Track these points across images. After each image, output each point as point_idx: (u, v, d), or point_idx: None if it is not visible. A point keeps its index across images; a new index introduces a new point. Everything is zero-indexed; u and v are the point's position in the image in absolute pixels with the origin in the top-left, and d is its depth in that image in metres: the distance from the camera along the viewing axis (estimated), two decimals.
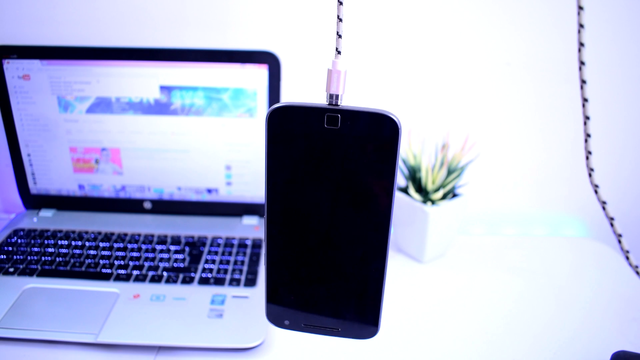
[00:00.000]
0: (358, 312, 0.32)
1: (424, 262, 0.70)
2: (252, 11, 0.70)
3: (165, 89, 0.68)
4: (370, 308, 0.31)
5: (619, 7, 0.70)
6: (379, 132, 0.28)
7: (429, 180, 0.67)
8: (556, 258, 0.73)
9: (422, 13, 0.70)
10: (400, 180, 0.77)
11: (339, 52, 0.28)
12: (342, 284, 0.31)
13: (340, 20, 0.28)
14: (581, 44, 0.31)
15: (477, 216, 0.82)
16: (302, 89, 0.73)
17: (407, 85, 0.74)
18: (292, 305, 0.32)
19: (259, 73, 0.67)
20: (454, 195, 0.70)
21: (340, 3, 0.28)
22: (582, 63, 0.32)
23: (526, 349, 0.55)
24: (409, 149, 0.71)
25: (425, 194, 0.68)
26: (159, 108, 0.68)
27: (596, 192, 0.34)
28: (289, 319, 0.33)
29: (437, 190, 0.67)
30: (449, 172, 0.68)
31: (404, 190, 0.71)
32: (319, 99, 0.74)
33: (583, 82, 0.32)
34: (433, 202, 0.67)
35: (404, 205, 0.69)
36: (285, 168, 0.29)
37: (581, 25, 0.31)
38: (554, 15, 0.70)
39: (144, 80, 0.67)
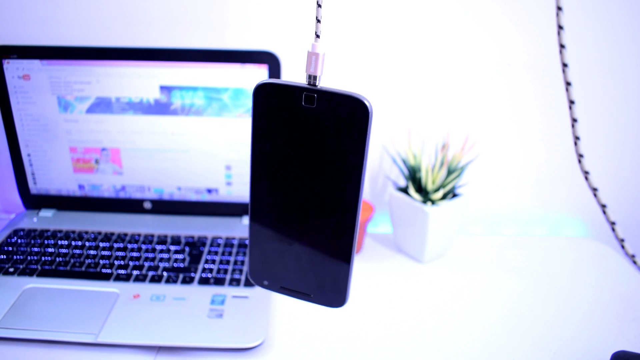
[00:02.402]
0: (328, 282, 0.34)
1: (424, 262, 0.70)
2: (252, 11, 0.70)
3: (165, 89, 0.68)
4: (339, 279, 0.34)
5: (620, 5, 0.70)
6: (351, 114, 0.30)
7: (429, 180, 0.67)
8: (556, 258, 0.73)
9: (422, 13, 0.70)
10: (400, 180, 0.78)
11: (317, 36, 0.31)
12: (315, 252, 0.34)
13: (320, 6, 0.31)
14: (562, 46, 0.32)
15: (477, 216, 0.82)
16: None
17: (407, 85, 0.74)
18: (270, 267, 0.35)
19: (259, 73, 0.67)
20: (454, 195, 0.70)
21: None
22: (564, 65, 0.33)
23: (526, 348, 0.55)
24: (409, 149, 0.71)
25: (425, 194, 0.68)
26: (159, 108, 0.68)
27: (587, 178, 0.34)
28: (268, 279, 0.36)
29: (437, 190, 0.67)
30: (449, 172, 0.68)
31: (404, 190, 0.71)
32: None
33: (568, 83, 0.32)
34: (433, 202, 0.67)
35: (404, 205, 0.69)
36: (267, 139, 0.32)
37: (560, 27, 0.32)
38: (554, 15, 0.70)
39: (144, 80, 0.67)
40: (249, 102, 0.68)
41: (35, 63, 0.67)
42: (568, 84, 0.34)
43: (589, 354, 0.54)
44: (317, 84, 0.30)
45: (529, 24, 0.71)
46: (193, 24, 0.71)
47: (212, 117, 0.68)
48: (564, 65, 0.33)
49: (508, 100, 0.75)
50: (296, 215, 0.33)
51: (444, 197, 0.68)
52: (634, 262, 0.37)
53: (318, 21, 0.31)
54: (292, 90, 0.30)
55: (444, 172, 0.67)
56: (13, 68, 0.68)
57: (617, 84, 0.74)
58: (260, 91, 0.31)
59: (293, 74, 0.70)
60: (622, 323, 0.59)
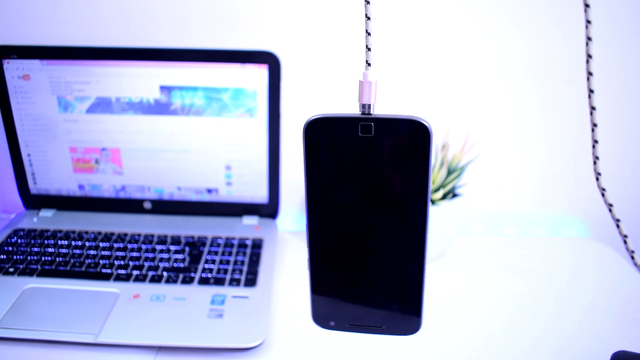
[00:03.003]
0: (401, 310, 0.33)
1: None
2: (252, 11, 0.70)
3: (166, 89, 0.68)
4: (412, 305, 0.33)
5: (624, 5, 0.70)
6: (411, 137, 0.29)
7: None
8: (556, 258, 0.73)
9: (422, 13, 0.70)
10: None
11: (369, 64, 0.30)
12: (384, 284, 0.33)
13: (369, 34, 0.30)
14: (589, 38, 0.32)
15: (477, 216, 0.82)
16: (302, 89, 0.73)
17: (407, 86, 0.74)
18: (336, 307, 0.34)
19: (259, 73, 0.67)
20: (454, 195, 0.70)
21: (368, 18, 0.29)
22: (589, 74, 0.33)
23: (526, 348, 0.55)
24: None
25: None
26: (159, 108, 0.68)
27: (603, 195, 0.34)
28: (334, 319, 0.34)
29: (437, 190, 0.67)
30: (449, 172, 0.68)
31: None
32: (320, 99, 0.73)
33: (591, 91, 0.32)
34: (433, 202, 0.67)
35: None
36: (322, 176, 0.31)
37: (588, 21, 0.31)
38: (554, 15, 0.70)
39: (144, 80, 0.67)
40: (249, 102, 0.68)
41: (35, 63, 0.67)
42: (591, 90, 0.34)
43: (589, 354, 0.54)
44: (371, 112, 0.30)
45: (529, 24, 0.71)
46: (193, 24, 0.71)
47: (212, 117, 0.68)
48: (590, 74, 0.32)
49: (508, 100, 0.75)
50: (362, 250, 0.32)
51: (444, 197, 0.68)
52: (632, 258, 0.37)
53: (368, 49, 0.30)
54: (347, 121, 0.29)
55: (444, 172, 0.67)
56: (13, 68, 0.68)
57: (618, 83, 0.74)
58: (312, 127, 0.30)
59: (293, 74, 0.70)
60: (622, 323, 0.59)
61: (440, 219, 0.67)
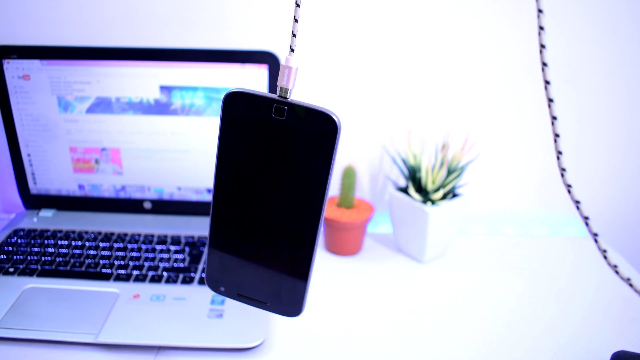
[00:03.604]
0: (285, 292, 0.34)
1: (424, 262, 0.70)
2: (252, 11, 0.70)
3: (165, 89, 0.68)
4: (296, 291, 0.34)
5: (621, 5, 0.70)
6: (320, 129, 0.30)
7: (429, 180, 0.67)
8: (556, 258, 0.73)
9: (422, 13, 0.70)
10: (400, 180, 0.78)
11: (292, 50, 0.31)
12: (274, 263, 0.34)
13: (296, 21, 0.31)
14: (542, 46, 0.32)
15: (477, 216, 0.82)
16: (302, 89, 0.73)
17: (407, 85, 0.74)
18: (228, 274, 0.35)
19: (259, 73, 0.67)
20: (454, 195, 0.70)
21: (298, 5, 0.31)
22: (544, 64, 0.33)
23: (526, 349, 0.55)
24: (408, 149, 0.71)
25: (425, 194, 0.68)
26: (159, 108, 0.68)
27: (569, 191, 0.34)
28: (225, 285, 0.36)
29: (437, 190, 0.67)
30: (449, 172, 0.68)
31: (404, 190, 0.71)
32: (320, 99, 0.73)
33: (547, 82, 0.32)
34: (433, 202, 0.67)
35: (404, 205, 0.69)
36: (233, 148, 0.32)
37: (541, 28, 0.32)
38: (554, 15, 0.70)
39: (144, 80, 0.67)
40: None
41: (35, 63, 0.67)
42: (550, 100, 0.34)
43: (589, 354, 0.54)
44: (288, 97, 0.30)
45: (529, 24, 0.71)
46: (193, 24, 0.71)
47: (212, 117, 0.68)
48: (544, 63, 0.32)
49: (508, 100, 0.75)
50: (257, 227, 0.33)
51: (444, 197, 0.68)
52: (605, 257, 0.36)
53: (294, 36, 0.31)
54: (263, 100, 0.30)
55: (444, 172, 0.67)
56: (13, 68, 0.68)
57: (619, 84, 0.74)
58: (231, 99, 0.31)
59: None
60: (622, 323, 0.59)
61: (440, 219, 0.67)
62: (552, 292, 0.65)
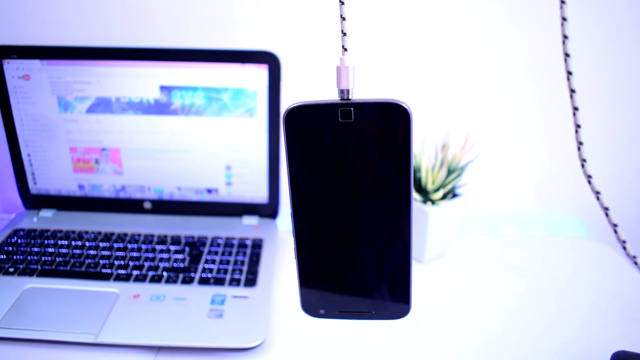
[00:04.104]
0: (389, 294, 0.33)
1: (424, 262, 0.70)
2: (252, 11, 0.70)
3: (165, 89, 0.68)
4: (400, 288, 0.33)
5: (624, 7, 0.70)
6: (391, 120, 0.29)
7: (429, 180, 0.67)
8: (556, 258, 0.73)
9: (422, 13, 0.70)
10: None
11: (345, 50, 0.30)
12: (371, 268, 0.33)
13: (344, 19, 0.30)
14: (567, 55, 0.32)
15: (477, 216, 0.82)
16: (302, 89, 0.73)
17: (407, 85, 0.74)
18: (325, 295, 0.34)
19: (259, 73, 0.67)
20: (454, 195, 0.70)
21: (342, 3, 0.30)
22: (569, 73, 0.33)
23: (526, 349, 0.55)
24: None
25: (425, 194, 0.68)
26: (159, 108, 0.68)
27: (589, 182, 0.34)
28: (324, 307, 0.34)
29: (437, 190, 0.67)
30: (449, 172, 0.68)
31: None
32: (320, 99, 0.73)
33: (572, 91, 0.32)
34: (433, 202, 0.67)
35: None
36: (305, 164, 0.31)
37: (565, 37, 0.32)
38: (554, 15, 0.70)
39: (144, 80, 0.67)
40: (249, 102, 0.68)
41: (35, 63, 0.67)
42: (572, 91, 0.34)
43: (589, 354, 0.54)
44: (350, 97, 0.30)
45: (529, 24, 0.71)
46: (193, 24, 0.71)
47: (212, 117, 0.68)
48: (569, 73, 0.32)
49: (508, 100, 0.75)
50: (348, 237, 0.32)
51: (444, 197, 0.68)
52: (636, 264, 0.37)
53: (344, 34, 0.30)
54: (327, 108, 0.29)
55: (444, 172, 0.67)
56: (13, 68, 0.68)
57: (620, 85, 0.74)
58: (293, 116, 0.30)
59: (293, 74, 0.70)
60: (622, 323, 0.59)
61: (440, 219, 0.67)
62: (552, 292, 0.65)
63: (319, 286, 0.34)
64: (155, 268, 0.62)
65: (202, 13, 0.70)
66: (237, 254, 0.66)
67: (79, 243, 0.67)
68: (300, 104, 0.30)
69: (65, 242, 0.67)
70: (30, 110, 0.69)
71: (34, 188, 0.74)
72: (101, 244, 0.66)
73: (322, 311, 0.35)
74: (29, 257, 0.63)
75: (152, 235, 0.69)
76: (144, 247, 0.66)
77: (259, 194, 0.73)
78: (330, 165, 0.30)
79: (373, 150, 0.30)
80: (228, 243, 0.68)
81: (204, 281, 0.60)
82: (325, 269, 0.33)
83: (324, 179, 0.31)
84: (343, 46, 0.30)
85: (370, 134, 0.30)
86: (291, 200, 0.32)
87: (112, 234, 0.69)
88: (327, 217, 0.32)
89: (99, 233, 0.69)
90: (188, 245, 0.67)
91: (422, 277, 0.67)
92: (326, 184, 0.31)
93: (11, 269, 0.61)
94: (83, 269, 0.62)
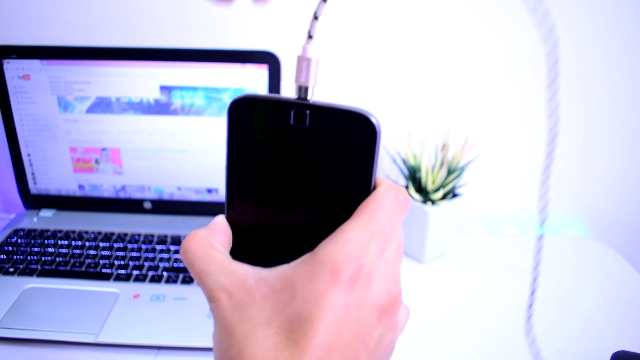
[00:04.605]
0: None
1: (424, 262, 0.70)
2: (252, 11, 0.70)
3: (165, 89, 0.68)
4: None
5: (627, 5, 0.70)
6: (354, 133, 0.24)
7: (429, 180, 0.67)
8: (557, 258, 0.73)
9: (422, 13, 0.70)
10: (400, 180, 0.77)
11: (310, 37, 0.24)
12: None
13: (324, 1, 0.24)
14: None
15: (477, 216, 0.82)
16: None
17: (407, 85, 0.74)
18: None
19: (259, 73, 0.67)
20: (454, 195, 0.70)
21: None
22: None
23: (526, 349, 0.55)
24: (409, 149, 0.71)
25: (425, 194, 0.68)
26: (159, 108, 0.68)
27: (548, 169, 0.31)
28: None
29: (437, 190, 0.67)
30: (449, 172, 0.68)
31: None
32: (320, 98, 0.73)
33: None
34: (433, 202, 0.67)
35: None
36: (247, 168, 0.26)
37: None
38: (554, 15, 0.70)
39: (144, 80, 0.67)
40: None
41: (35, 63, 0.67)
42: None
43: (589, 353, 0.54)
44: (309, 98, 0.25)
45: (529, 24, 0.71)
46: (193, 24, 0.71)
47: (212, 117, 0.68)
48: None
49: (508, 100, 0.75)
50: (284, 249, 0.26)
51: (444, 197, 0.68)
52: None
53: (315, 18, 0.24)
54: (279, 105, 0.25)
55: (444, 172, 0.67)
56: (13, 68, 0.68)
57: (624, 83, 0.74)
58: (238, 108, 0.25)
59: (293, 74, 0.70)
60: (622, 323, 0.59)
61: (440, 219, 0.67)
62: (552, 292, 0.65)
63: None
64: (155, 268, 0.62)
65: (202, 13, 0.70)
66: None
67: (79, 243, 0.67)
68: (249, 95, 0.25)
69: (65, 242, 0.67)
70: (30, 110, 0.69)
71: (34, 188, 0.74)
72: (101, 244, 0.66)
73: None
74: (29, 257, 0.63)
75: (152, 235, 0.69)
76: (144, 247, 0.66)
77: None
78: (274, 172, 0.25)
79: (326, 166, 0.24)
80: None
81: None
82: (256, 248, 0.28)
83: (266, 186, 0.26)
84: (309, 32, 0.24)
85: (325, 146, 0.24)
86: (226, 203, 0.27)
87: (112, 234, 0.69)
88: (264, 231, 0.27)
89: (99, 233, 0.69)
90: None
91: (422, 277, 0.67)
92: (267, 193, 0.26)
93: (11, 269, 0.61)
94: (83, 269, 0.62)
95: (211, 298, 0.24)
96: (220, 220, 0.27)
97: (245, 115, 0.25)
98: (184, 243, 0.25)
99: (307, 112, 0.24)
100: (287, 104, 0.24)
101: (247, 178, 0.26)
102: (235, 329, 0.23)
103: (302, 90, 0.25)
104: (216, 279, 0.24)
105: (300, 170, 0.25)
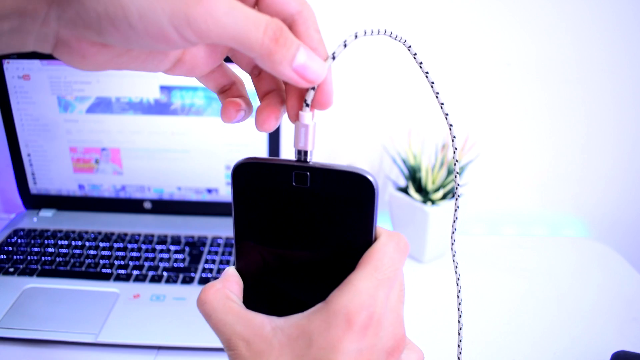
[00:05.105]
0: None
1: (424, 262, 0.70)
2: None
3: (165, 89, 0.68)
4: None
5: (627, 5, 0.70)
6: (352, 192, 0.26)
7: (429, 180, 0.67)
8: (557, 258, 0.73)
9: (422, 13, 0.70)
10: (400, 180, 0.78)
11: (307, 105, 0.26)
12: None
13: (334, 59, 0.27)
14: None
15: (477, 216, 0.82)
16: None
17: (407, 85, 0.74)
18: None
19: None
20: (454, 195, 0.70)
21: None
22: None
23: (526, 348, 0.55)
24: (409, 149, 0.71)
25: (425, 194, 0.68)
26: (159, 108, 0.68)
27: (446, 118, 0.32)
28: None
29: (437, 190, 0.67)
30: (449, 172, 0.68)
31: (404, 190, 0.71)
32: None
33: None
34: (433, 202, 0.67)
35: (404, 205, 0.69)
36: (252, 224, 0.28)
37: None
38: (554, 15, 0.70)
39: (144, 80, 0.67)
40: None
41: (35, 63, 0.67)
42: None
43: (589, 353, 0.54)
44: (309, 160, 0.26)
45: (529, 24, 0.71)
46: None
47: (212, 117, 0.68)
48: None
49: (508, 100, 0.75)
50: (290, 305, 0.28)
51: (444, 197, 0.68)
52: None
53: (313, 89, 0.26)
54: (280, 169, 0.26)
55: (444, 172, 0.67)
56: (13, 68, 0.68)
57: (625, 83, 0.74)
58: (241, 171, 0.27)
59: None
60: (622, 323, 0.59)
61: (440, 219, 0.67)
62: (552, 292, 0.65)
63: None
64: (155, 268, 0.62)
65: None
66: None
67: (79, 243, 0.67)
68: (251, 160, 0.27)
69: (65, 242, 0.67)
70: (30, 110, 0.69)
71: (34, 188, 0.74)
72: (101, 244, 0.66)
73: None
74: (29, 257, 0.63)
75: (152, 235, 0.69)
76: (144, 247, 0.66)
77: None
78: (279, 230, 0.27)
79: (328, 222, 0.26)
80: (228, 243, 0.68)
81: (204, 281, 0.60)
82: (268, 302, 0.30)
83: (271, 243, 0.28)
84: (306, 100, 0.26)
85: (327, 204, 0.26)
86: (236, 257, 0.29)
87: (112, 234, 0.69)
88: (272, 284, 0.29)
89: (99, 233, 0.69)
90: (188, 245, 0.67)
91: (422, 277, 0.67)
92: (274, 247, 0.28)
93: (11, 269, 0.61)
94: (83, 269, 0.62)
95: (229, 347, 0.26)
96: (232, 271, 0.29)
97: (248, 177, 0.27)
98: (201, 295, 0.27)
99: (308, 173, 0.26)
100: (288, 167, 0.26)
101: (254, 232, 0.28)
102: None
103: (302, 153, 0.26)
104: (234, 329, 0.26)
105: (304, 226, 0.27)
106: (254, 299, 0.28)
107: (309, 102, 0.26)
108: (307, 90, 0.26)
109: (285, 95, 0.27)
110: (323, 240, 0.27)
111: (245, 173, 0.27)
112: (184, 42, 0.21)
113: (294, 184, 0.26)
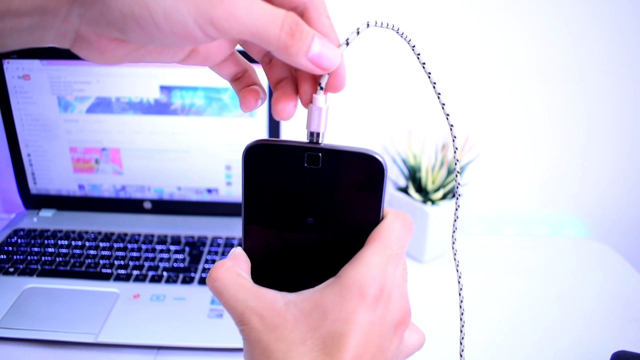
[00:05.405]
0: None
1: (424, 262, 0.70)
2: None
3: (165, 89, 0.68)
4: None
5: (629, 6, 0.70)
6: (363, 172, 0.27)
7: (429, 180, 0.67)
8: (557, 258, 0.73)
9: (422, 13, 0.70)
10: (400, 180, 0.78)
11: (321, 88, 0.26)
12: None
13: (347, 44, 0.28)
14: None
15: (477, 216, 0.82)
16: None
17: (406, 85, 0.74)
18: None
19: (259, 73, 0.66)
20: (454, 195, 0.70)
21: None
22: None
23: (526, 348, 0.55)
24: (409, 149, 0.71)
25: (425, 194, 0.68)
26: (159, 108, 0.68)
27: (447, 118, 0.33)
28: None
29: (437, 190, 0.67)
30: (449, 172, 0.68)
31: (404, 190, 0.71)
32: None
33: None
34: (433, 202, 0.67)
35: (404, 205, 0.69)
36: (262, 206, 0.28)
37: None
38: (553, 15, 0.70)
39: (144, 80, 0.67)
40: None
41: (35, 63, 0.67)
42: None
43: (589, 353, 0.54)
44: (320, 142, 0.27)
45: (529, 24, 0.71)
46: None
47: (212, 117, 0.68)
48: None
49: (508, 100, 0.75)
50: (299, 281, 0.28)
51: (444, 197, 0.68)
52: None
53: (327, 74, 0.27)
54: (292, 150, 0.27)
55: (444, 172, 0.67)
56: (13, 68, 0.68)
57: (625, 83, 0.74)
58: (253, 153, 0.27)
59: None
60: (622, 323, 0.59)
61: (440, 219, 0.67)
62: (552, 292, 0.65)
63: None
64: (155, 268, 0.62)
65: None
66: None
67: (79, 243, 0.67)
68: (263, 141, 0.27)
69: (65, 242, 0.67)
70: (30, 110, 0.69)
71: (34, 188, 0.74)
72: (101, 244, 0.66)
73: None
74: (29, 257, 0.63)
75: (152, 235, 0.69)
76: (144, 247, 0.66)
77: None
78: (290, 212, 0.28)
79: (339, 201, 0.27)
80: (228, 243, 0.68)
81: (204, 281, 0.60)
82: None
83: (281, 223, 0.28)
84: (320, 84, 0.26)
85: (338, 184, 0.27)
86: (244, 240, 0.29)
87: (112, 234, 0.69)
88: (281, 265, 0.29)
89: (99, 233, 0.69)
90: (188, 245, 0.67)
91: (422, 277, 0.67)
92: (282, 228, 0.28)
93: (11, 269, 0.61)
94: (83, 269, 0.62)
95: (242, 322, 0.26)
96: (240, 251, 0.30)
97: (260, 159, 0.27)
98: (212, 272, 0.27)
99: (320, 154, 0.27)
100: (300, 148, 0.27)
101: (264, 212, 0.28)
102: (273, 348, 0.25)
103: (315, 135, 0.27)
104: (247, 304, 0.26)
105: (314, 206, 0.28)
106: (262, 278, 0.28)
107: (323, 85, 0.27)
108: (320, 75, 0.26)
109: (298, 80, 0.28)
110: (332, 220, 0.28)
111: (257, 155, 0.27)
112: (207, 39, 0.22)
113: (305, 164, 0.27)
